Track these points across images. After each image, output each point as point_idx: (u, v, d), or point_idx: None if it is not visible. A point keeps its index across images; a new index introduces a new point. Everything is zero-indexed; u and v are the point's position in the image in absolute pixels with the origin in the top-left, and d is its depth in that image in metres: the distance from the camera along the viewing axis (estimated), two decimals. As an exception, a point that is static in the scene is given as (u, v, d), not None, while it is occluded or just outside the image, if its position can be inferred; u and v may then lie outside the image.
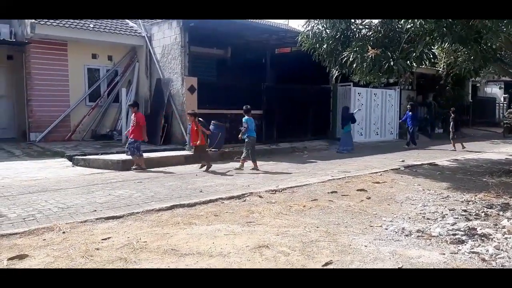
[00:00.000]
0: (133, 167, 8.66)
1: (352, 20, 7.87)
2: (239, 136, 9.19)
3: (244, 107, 9.36)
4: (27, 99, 12.44)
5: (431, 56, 7.40)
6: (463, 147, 13.41)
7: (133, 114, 9.07)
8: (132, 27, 14.03)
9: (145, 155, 9.24)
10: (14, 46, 12.80)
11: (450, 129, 13.60)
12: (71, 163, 9.25)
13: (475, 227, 4.26)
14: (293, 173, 8.38)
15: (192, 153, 9.38)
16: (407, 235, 4.14)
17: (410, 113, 14.31)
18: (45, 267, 3.26)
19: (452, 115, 13.57)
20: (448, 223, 4.48)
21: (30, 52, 12.20)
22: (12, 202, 5.63)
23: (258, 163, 8.96)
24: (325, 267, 3.26)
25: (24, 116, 12.80)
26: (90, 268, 3.24)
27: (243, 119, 9.17)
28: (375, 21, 7.93)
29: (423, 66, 15.51)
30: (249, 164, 8.98)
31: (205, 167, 8.70)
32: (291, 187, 6.61)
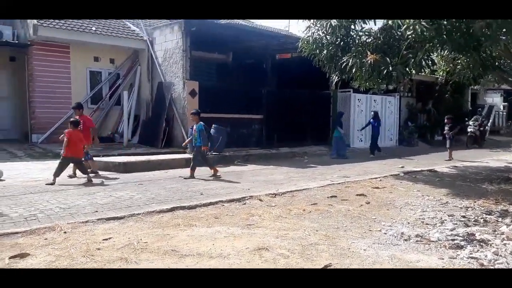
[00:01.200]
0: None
1: (352, 27, 7.95)
2: (204, 148, 8.28)
3: (194, 110, 8.49)
4: (29, 101, 12.49)
5: (430, 63, 7.46)
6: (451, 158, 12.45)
7: (79, 117, 7.99)
8: (134, 30, 14.13)
9: (147, 157, 9.29)
10: (16, 48, 12.88)
11: (448, 138, 12.74)
12: (72, 165, 9.26)
13: (474, 233, 4.30)
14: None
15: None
16: (406, 240, 4.17)
17: (372, 120, 13.56)
18: (46, 266, 3.29)
19: (449, 122, 12.75)
20: (447, 229, 4.51)
21: (32, 54, 12.27)
22: (14, 202, 5.66)
23: (258, 166, 8.99)
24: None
25: (26, 118, 12.84)
26: (91, 268, 3.26)
27: (201, 126, 8.23)
28: (375, 27, 8.01)
29: (422, 74, 15.62)
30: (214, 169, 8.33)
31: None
32: (291, 191, 6.64)
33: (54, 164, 9.10)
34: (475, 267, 3.39)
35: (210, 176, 8.23)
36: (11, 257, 3.47)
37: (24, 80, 12.87)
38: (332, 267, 3.34)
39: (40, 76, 12.33)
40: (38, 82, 12.31)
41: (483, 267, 3.38)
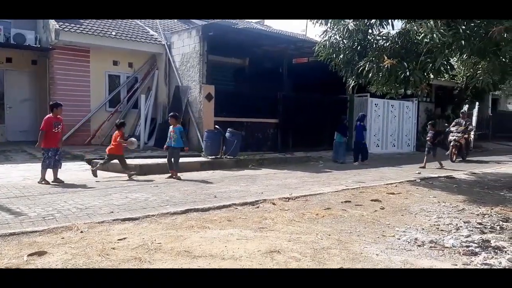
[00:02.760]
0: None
1: (369, 31, 7.91)
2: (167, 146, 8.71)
3: (173, 114, 8.93)
4: (49, 104, 12.78)
5: (449, 68, 7.37)
6: (441, 166, 11.44)
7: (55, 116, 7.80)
8: (153, 35, 14.35)
9: (163, 160, 9.40)
10: (38, 51, 13.23)
11: (427, 146, 11.76)
12: (90, 166, 9.45)
13: (489, 240, 4.23)
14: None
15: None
16: (419, 246, 4.13)
17: (359, 123, 12.41)
18: (63, 264, 3.37)
19: (431, 130, 11.78)
20: (462, 235, 4.45)
21: (53, 58, 12.58)
22: (33, 201, 5.81)
23: (272, 171, 9.04)
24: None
25: (46, 120, 13.13)
26: (103, 268, 3.33)
27: (181, 129, 8.83)
28: (393, 32, 7.96)
29: (442, 79, 15.32)
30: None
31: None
32: (304, 196, 6.64)
33: (72, 165, 9.37)
34: (489, 275, 3.35)
35: (168, 177, 8.39)
36: (29, 255, 3.56)
37: (45, 83, 13.19)
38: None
39: (61, 80, 12.62)
40: (58, 85, 12.60)
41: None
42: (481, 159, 14.35)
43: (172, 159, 8.58)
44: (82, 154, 10.48)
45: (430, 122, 12.47)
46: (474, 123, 16.41)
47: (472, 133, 14.45)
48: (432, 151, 11.67)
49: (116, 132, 8.58)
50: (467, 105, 17.16)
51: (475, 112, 17.35)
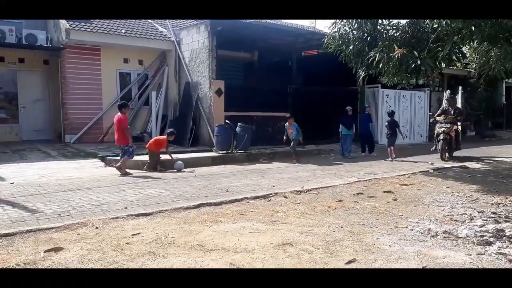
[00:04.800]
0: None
1: (379, 21, 7.83)
2: (287, 138, 10.77)
3: (289, 114, 10.87)
4: (62, 102, 12.95)
5: (460, 55, 7.26)
6: (391, 158, 10.91)
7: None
8: (162, 32, 14.40)
9: (175, 156, 9.52)
10: (50, 51, 13.39)
11: (386, 137, 11.41)
12: (103, 163, 9.58)
13: (504, 229, 4.19)
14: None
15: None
16: (433, 236, 4.11)
17: (363, 114, 12.47)
18: (79, 259, 3.44)
19: (389, 118, 11.41)
20: (476, 225, 4.41)
21: (65, 57, 12.72)
22: (49, 199, 5.91)
23: (284, 164, 9.12)
24: (347, 266, 3.30)
25: (59, 119, 13.33)
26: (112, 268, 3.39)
27: (296, 125, 10.68)
28: (403, 21, 7.86)
29: (453, 67, 15.02)
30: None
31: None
32: (316, 188, 6.63)
33: (86, 163, 9.50)
34: (503, 263, 3.32)
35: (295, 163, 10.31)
36: (46, 251, 3.64)
37: (57, 82, 13.36)
38: (356, 262, 3.34)
39: (72, 78, 12.76)
40: (70, 84, 12.75)
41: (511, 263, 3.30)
42: (474, 156, 11.99)
43: (293, 148, 10.60)
44: (95, 152, 10.61)
45: (387, 111, 11.95)
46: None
47: (459, 123, 11.72)
48: (388, 141, 11.19)
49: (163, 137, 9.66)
50: (448, 90, 14.11)
51: (458, 98, 14.48)
